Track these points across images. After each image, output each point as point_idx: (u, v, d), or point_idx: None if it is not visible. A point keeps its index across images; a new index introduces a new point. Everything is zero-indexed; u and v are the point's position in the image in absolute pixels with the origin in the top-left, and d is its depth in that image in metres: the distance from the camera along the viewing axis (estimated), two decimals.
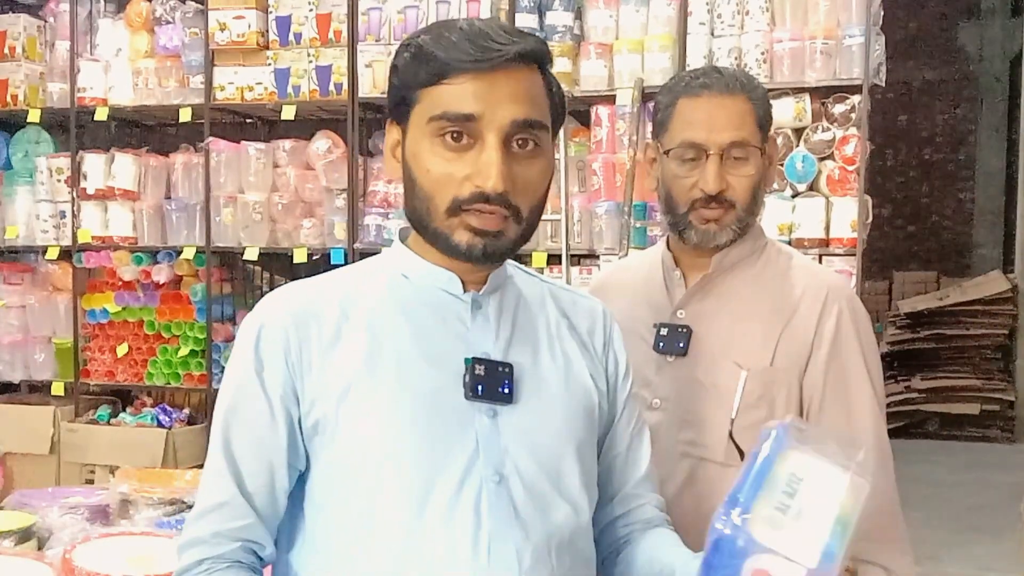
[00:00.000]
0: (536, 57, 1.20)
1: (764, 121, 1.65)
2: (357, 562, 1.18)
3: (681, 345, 1.66)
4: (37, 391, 5.04)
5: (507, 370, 1.23)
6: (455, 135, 1.17)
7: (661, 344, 1.67)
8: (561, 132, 3.94)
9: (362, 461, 1.18)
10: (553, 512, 1.22)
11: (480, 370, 1.21)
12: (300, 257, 4.44)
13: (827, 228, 3.77)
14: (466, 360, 1.21)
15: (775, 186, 3.72)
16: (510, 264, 1.33)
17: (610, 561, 1.36)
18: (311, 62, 4.41)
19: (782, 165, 3.77)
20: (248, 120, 4.98)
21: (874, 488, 1.59)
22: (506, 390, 1.22)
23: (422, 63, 1.18)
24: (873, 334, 1.70)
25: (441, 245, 1.22)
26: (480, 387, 1.20)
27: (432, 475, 1.17)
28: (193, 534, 1.22)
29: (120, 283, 4.73)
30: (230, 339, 4.62)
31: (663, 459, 1.51)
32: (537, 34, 4.15)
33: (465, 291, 1.26)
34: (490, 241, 1.19)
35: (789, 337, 1.64)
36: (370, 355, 1.20)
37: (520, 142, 1.18)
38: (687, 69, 3.95)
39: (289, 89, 4.44)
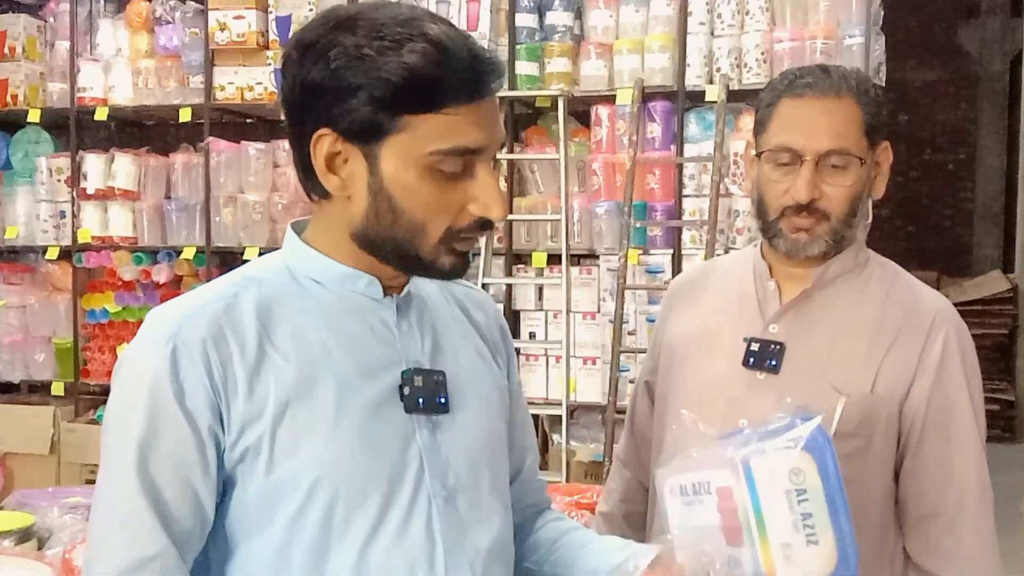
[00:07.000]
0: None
1: (873, 127, 1.54)
2: None
3: (774, 363, 1.55)
4: (37, 391, 5.03)
5: (441, 379, 1.17)
6: (457, 165, 1.10)
7: (751, 360, 1.57)
8: (561, 132, 3.96)
9: (304, 486, 1.08)
10: (495, 518, 1.21)
11: (419, 381, 1.15)
12: None
13: None
14: (404, 372, 1.15)
15: None
16: None
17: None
18: None
19: None
20: (248, 120, 4.98)
21: (970, 529, 1.62)
22: (443, 400, 1.16)
23: (409, 86, 1.05)
24: (978, 363, 1.60)
25: (417, 268, 1.15)
26: (420, 400, 1.14)
27: (386, 498, 1.11)
28: None
29: (120, 283, 4.73)
30: None
31: None
32: (537, 33, 4.19)
33: (385, 295, 1.19)
34: (469, 260, 1.17)
35: (892, 361, 1.54)
36: (305, 373, 1.10)
37: (494, 163, 1.15)
38: (687, 69, 3.99)
39: None
